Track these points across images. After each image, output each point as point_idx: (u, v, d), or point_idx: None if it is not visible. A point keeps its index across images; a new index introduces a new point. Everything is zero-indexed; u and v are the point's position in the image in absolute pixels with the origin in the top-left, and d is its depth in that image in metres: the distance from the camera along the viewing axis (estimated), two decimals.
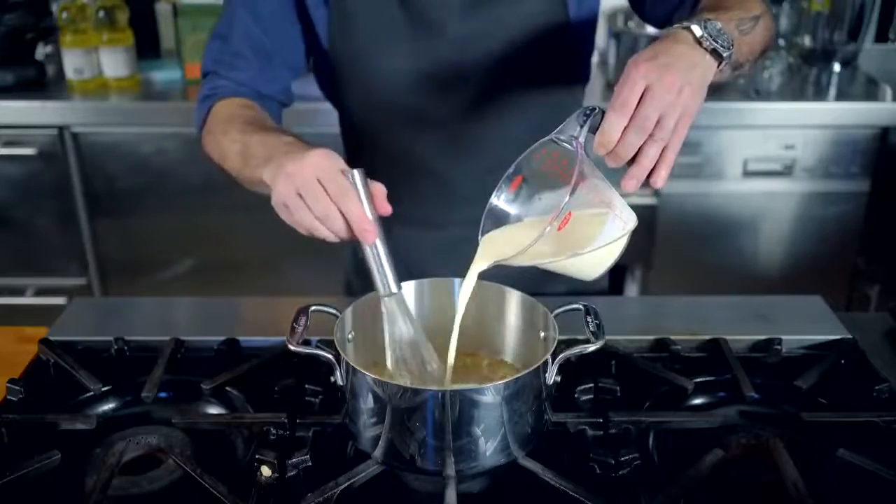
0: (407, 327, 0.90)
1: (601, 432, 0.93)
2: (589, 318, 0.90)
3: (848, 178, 2.27)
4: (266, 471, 0.87)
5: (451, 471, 0.82)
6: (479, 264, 0.89)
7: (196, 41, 2.27)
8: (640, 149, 0.82)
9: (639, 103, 0.81)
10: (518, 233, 0.88)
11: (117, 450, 0.90)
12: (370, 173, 0.87)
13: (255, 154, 0.97)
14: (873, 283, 2.36)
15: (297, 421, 0.93)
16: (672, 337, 1.10)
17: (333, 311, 0.92)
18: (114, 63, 2.33)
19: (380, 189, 0.87)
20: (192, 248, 2.39)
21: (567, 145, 0.83)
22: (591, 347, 0.86)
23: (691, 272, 2.38)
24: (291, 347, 0.85)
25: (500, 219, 0.90)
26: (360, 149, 1.27)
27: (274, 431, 0.93)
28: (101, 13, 2.32)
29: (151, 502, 0.86)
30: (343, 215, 0.84)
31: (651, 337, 1.11)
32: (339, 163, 0.86)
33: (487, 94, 1.16)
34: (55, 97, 2.30)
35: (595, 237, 0.85)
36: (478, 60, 1.14)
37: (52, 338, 1.11)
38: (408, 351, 0.90)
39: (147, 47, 2.45)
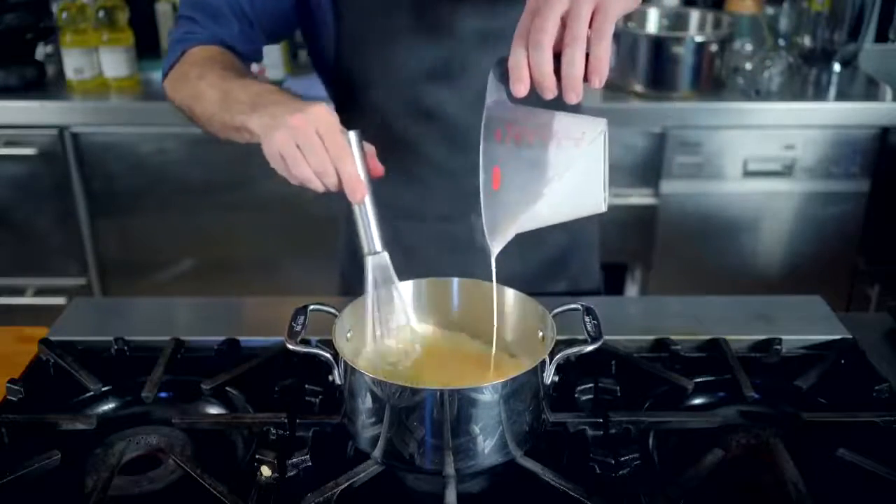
0: (388, 288, 0.92)
1: (601, 432, 0.93)
2: (587, 319, 0.90)
3: (848, 178, 2.27)
4: (266, 471, 0.87)
5: (450, 470, 0.82)
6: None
7: None
8: (561, 61, 0.77)
9: None
10: None
11: (117, 450, 0.91)
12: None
13: (238, 99, 0.96)
14: (873, 283, 2.36)
15: (297, 421, 0.93)
16: (672, 337, 1.09)
17: (332, 311, 0.92)
18: (114, 63, 2.33)
19: (372, 150, 0.91)
20: (192, 248, 2.39)
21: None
22: (589, 348, 0.86)
23: (691, 272, 2.38)
24: (290, 347, 0.85)
25: None
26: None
27: (274, 431, 0.93)
28: (101, 13, 2.32)
29: (151, 502, 0.86)
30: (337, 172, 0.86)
31: (651, 337, 1.11)
32: (338, 120, 0.88)
33: None
34: (55, 97, 2.30)
35: (558, 171, 0.80)
36: (484, 55, 1.14)
37: (52, 338, 1.11)
38: (387, 311, 0.92)
39: (147, 47, 2.45)
